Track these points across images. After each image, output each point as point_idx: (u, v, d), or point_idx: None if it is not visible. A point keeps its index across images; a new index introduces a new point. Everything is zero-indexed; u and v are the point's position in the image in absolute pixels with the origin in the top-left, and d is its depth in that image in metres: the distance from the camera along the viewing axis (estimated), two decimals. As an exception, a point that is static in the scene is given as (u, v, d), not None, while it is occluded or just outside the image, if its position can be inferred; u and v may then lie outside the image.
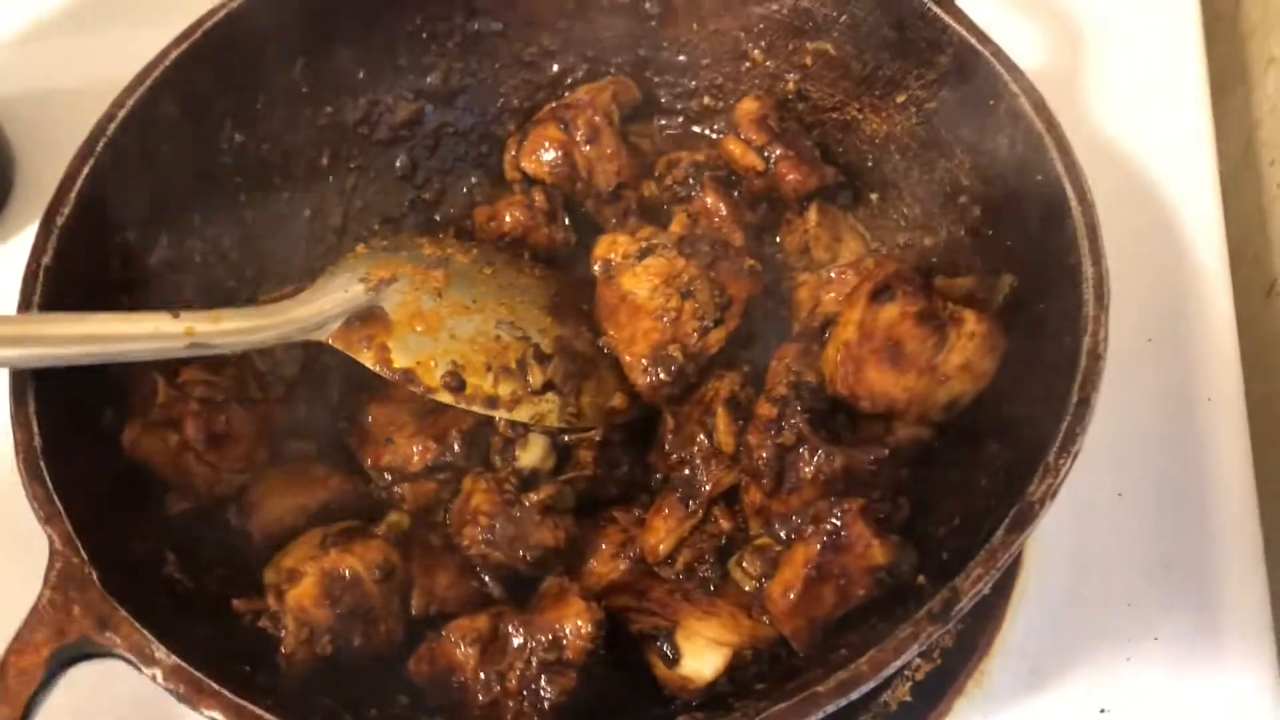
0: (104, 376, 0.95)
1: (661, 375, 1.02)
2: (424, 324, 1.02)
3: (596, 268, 1.10)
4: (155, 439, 0.95)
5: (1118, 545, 1.13)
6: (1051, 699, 1.07)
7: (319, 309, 1.00)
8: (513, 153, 1.22)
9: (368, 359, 0.99)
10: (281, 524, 0.99)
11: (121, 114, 1.01)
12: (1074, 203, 0.94)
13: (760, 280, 1.08)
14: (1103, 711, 1.06)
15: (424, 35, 1.21)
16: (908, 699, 1.08)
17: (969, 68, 1.04)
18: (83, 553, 0.84)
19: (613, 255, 1.09)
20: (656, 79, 1.27)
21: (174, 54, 1.04)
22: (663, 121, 1.28)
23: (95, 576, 0.83)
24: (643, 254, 1.07)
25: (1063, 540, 1.13)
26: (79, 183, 0.98)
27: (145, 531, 0.95)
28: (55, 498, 0.85)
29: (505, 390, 1.01)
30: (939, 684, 1.08)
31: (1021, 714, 1.07)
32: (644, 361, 1.03)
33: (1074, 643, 1.09)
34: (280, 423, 1.03)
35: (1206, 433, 1.18)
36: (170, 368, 0.96)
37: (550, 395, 1.02)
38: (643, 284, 1.05)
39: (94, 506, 0.88)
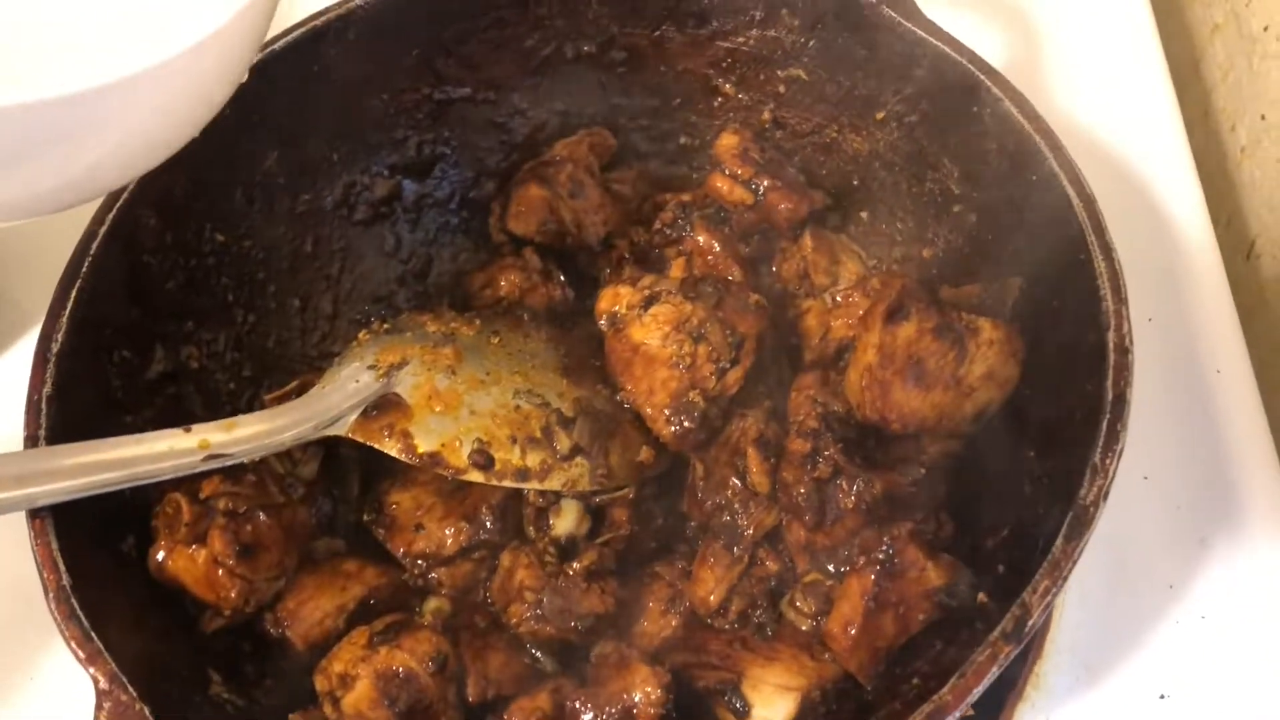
0: (119, 503, 0.93)
1: (686, 423, 1.01)
2: (442, 404, 1.00)
3: (602, 322, 1.08)
4: (183, 559, 0.93)
5: (1151, 528, 1.13)
6: (1110, 691, 1.06)
7: (332, 404, 0.98)
8: (497, 215, 1.21)
9: (391, 448, 0.97)
10: (322, 628, 0.97)
11: (102, 231, 0.99)
12: (1075, 199, 0.94)
13: (766, 313, 1.06)
14: (1163, 697, 1.05)
15: (392, 110, 1.19)
16: (970, 713, 1.06)
17: (947, 77, 1.04)
18: (130, 689, 0.81)
19: (618, 308, 1.07)
20: (631, 125, 1.26)
21: (147, 162, 1.02)
22: (642, 166, 1.27)
23: (148, 712, 0.80)
24: (648, 303, 1.05)
25: (1097, 531, 1.12)
26: (69, 306, 0.95)
27: (184, 656, 0.93)
28: (94, 636, 0.82)
29: (534, 460, 0.99)
30: (998, 693, 1.06)
31: (1082, 710, 1.06)
32: (666, 411, 1.01)
33: (1123, 632, 1.08)
34: (305, 523, 1.01)
35: (1220, 404, 1.18)
36: (192, 484, 0.94)
37: (579, 459, 1.00)
38: (653, 333, 1.03)
39: (130, 638, 0.86)
